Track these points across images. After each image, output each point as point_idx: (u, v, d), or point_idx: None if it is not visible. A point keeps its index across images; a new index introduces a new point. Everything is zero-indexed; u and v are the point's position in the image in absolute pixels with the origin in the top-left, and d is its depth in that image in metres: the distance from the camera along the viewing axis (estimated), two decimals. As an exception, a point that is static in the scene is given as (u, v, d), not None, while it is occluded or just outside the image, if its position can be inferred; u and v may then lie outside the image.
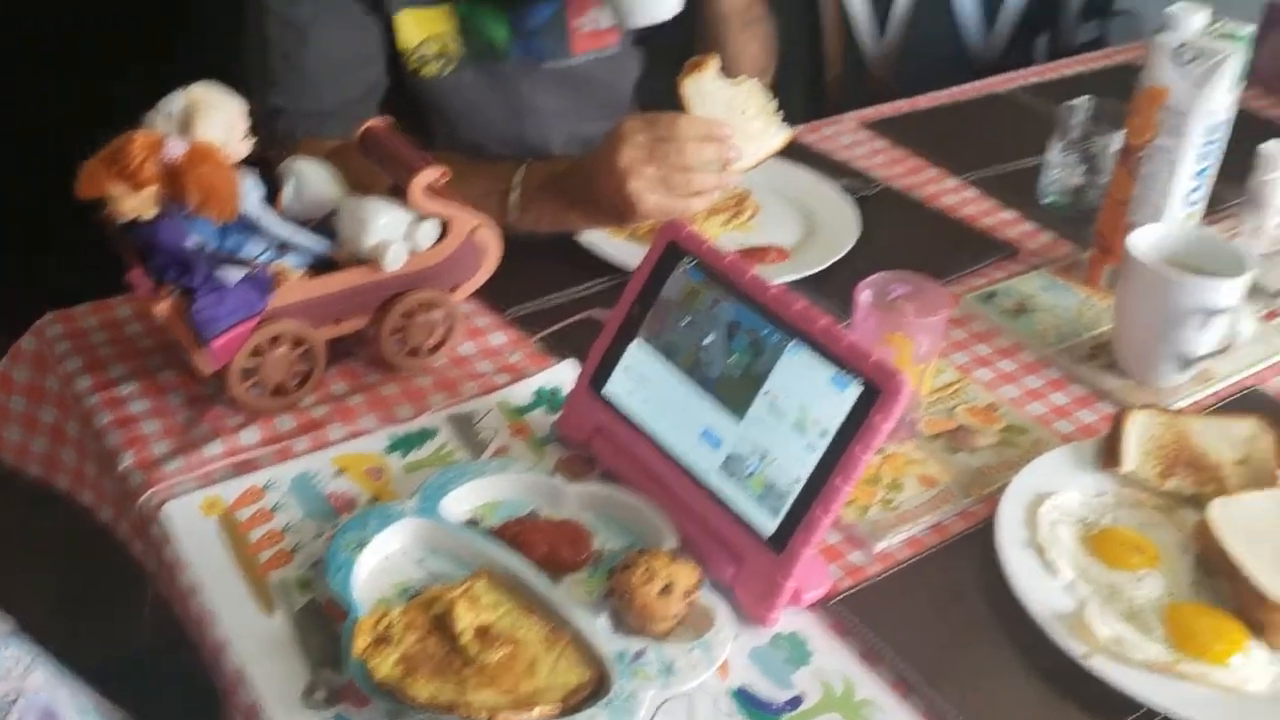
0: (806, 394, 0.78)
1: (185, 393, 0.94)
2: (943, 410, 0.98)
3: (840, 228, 1.19)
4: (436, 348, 0.99)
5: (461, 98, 1.27)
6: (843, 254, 1.14)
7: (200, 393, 0.94)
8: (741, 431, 0.80)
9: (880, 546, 0.85)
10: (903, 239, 1.23)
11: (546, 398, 0.96)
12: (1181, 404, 1.00)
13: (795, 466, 0.77)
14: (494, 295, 1.07)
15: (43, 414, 1.01)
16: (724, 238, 1.18)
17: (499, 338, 1.04)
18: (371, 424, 0.93)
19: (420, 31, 1.22)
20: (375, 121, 0.98)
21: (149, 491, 0.84)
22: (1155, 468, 0.89)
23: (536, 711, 0.68)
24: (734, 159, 1.06)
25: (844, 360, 0.76)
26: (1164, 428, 0.91)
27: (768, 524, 0.78)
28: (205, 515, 0.83)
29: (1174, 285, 0.96)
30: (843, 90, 1.76)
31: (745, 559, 0.78)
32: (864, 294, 0.92)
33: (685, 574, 0.76)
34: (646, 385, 0.86)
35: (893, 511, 0.87)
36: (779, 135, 1.10)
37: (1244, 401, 1.02)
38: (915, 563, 0.84)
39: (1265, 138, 1.23)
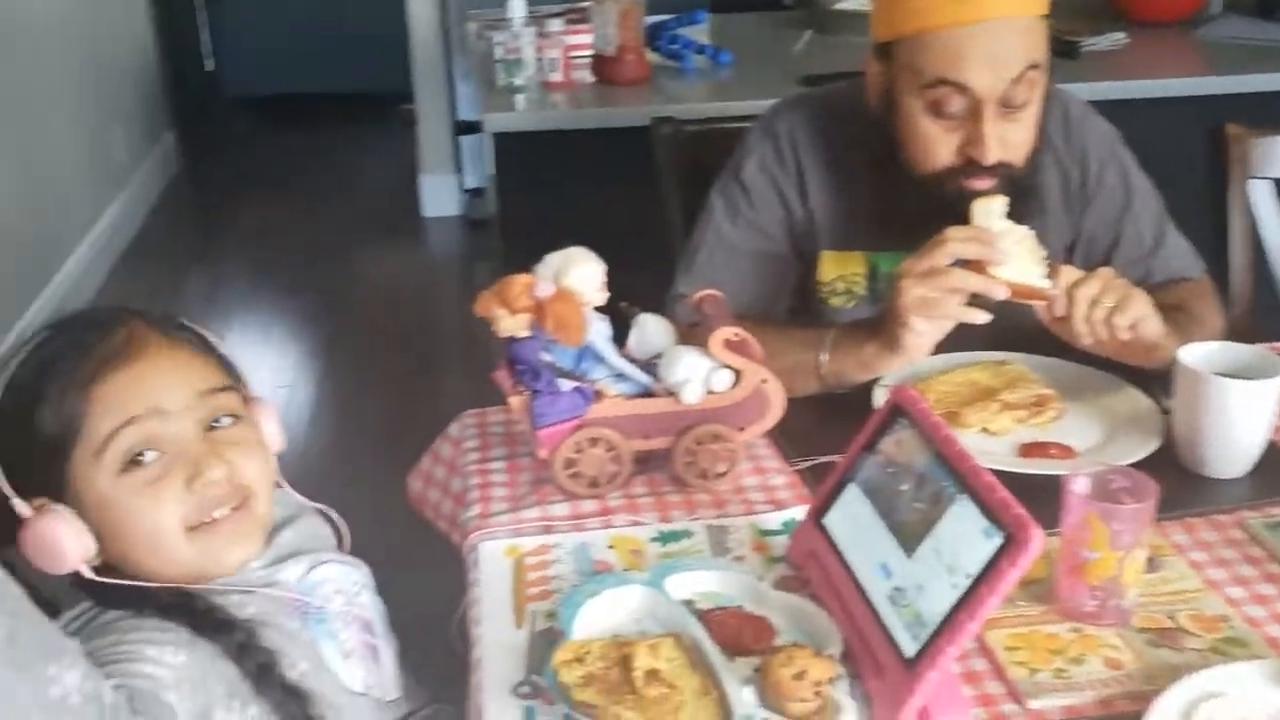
0: (963, 540, 0.89)
1: (533, 473, 1.24)
2: (1163, 610, 1.00)
3: (1139, 439, 1.23)
4: (721, 475, 1.20)
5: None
6: (1127, 463, 1.18)
7: (542, 475, 1.23)
8: (909, 567, 0.93)
9: (1035, 705, 0.91)
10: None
11: (791, 528, 1.13)
12: None
13: (940, 602, 0.88)
14: (789, 443, 1.27)
15: (436, 472, 1.37)
16: (1018, 430, 1.27)
17: (778, 479, 1.22)
18: (650, 519, 1.16)
19: (835, 270, 1.48)
20: (709, 292, 1.25)
21: (478, 532, 1.14)
22: (1357, 699, 0.85)
23: (662, 736, 0.85)
24: (996, 261, 1.20)
25: (995, 512, 0.87)
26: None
27: (910, 647, 0.89)
28: (505, 556, 1.10)
29: None
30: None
31: (886, 673, 0.89)
32: (1076, 482, 0.99)
33: (820, 668, 0.89)
34: (853, 521, 1.01)
35: (1062, 679, 0.93)
36: (1042, 280, 1.23)
37: None
38: (1062, 725, 0.89)
39: None
